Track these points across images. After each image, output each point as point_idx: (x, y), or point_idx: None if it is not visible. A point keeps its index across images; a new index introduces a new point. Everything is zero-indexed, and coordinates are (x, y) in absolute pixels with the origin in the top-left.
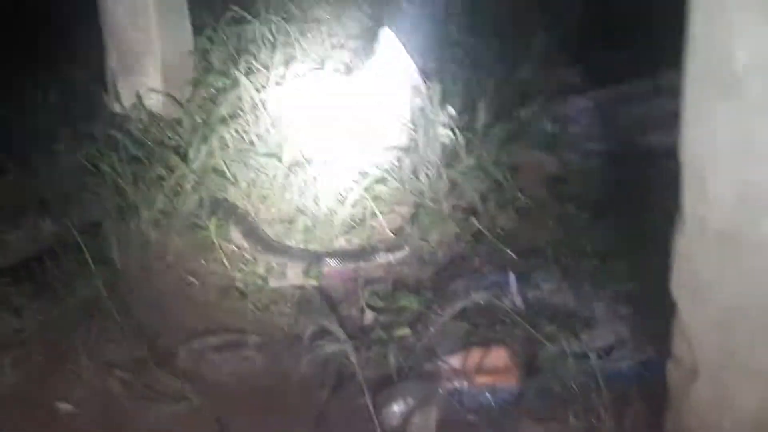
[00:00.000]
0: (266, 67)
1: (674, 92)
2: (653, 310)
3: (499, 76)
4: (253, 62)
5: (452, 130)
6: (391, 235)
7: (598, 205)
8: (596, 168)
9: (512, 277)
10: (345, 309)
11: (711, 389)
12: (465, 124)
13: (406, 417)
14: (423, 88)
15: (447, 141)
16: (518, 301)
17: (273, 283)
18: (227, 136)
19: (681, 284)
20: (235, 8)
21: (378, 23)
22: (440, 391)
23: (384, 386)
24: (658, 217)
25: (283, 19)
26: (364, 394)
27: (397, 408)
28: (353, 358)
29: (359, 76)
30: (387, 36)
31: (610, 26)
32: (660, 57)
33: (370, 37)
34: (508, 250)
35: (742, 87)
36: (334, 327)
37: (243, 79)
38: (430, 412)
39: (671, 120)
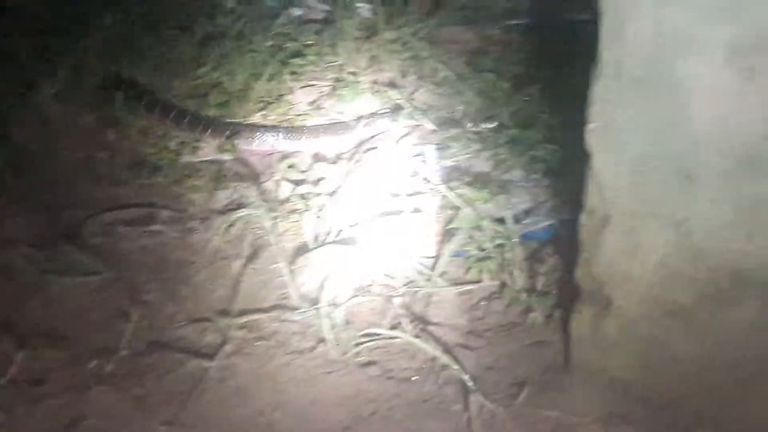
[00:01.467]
0: None
1: None
2: (572, 171)
3: None
4: None
5: (371, 2)
6: (308, 108)
7: (518, 76)
8: (516, 40)
9: (431, 147)
10: (261, 182)
11: (621, 237)
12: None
13: (322, 283)
14: None
15: (366, 14)
16: (437, 169)
17: (187, 157)
18: None
19: (596, 132)
20: None
21: None
22: (357, 256)
23: (300, 255)
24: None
25: None
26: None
27: (312, 275)
28: (268, 226)
29: None
30: None
31: None
32: None
33: None
34: (427, 122)
35: None
36: (250, 195)
37: None
38: (345, 277)
39: None
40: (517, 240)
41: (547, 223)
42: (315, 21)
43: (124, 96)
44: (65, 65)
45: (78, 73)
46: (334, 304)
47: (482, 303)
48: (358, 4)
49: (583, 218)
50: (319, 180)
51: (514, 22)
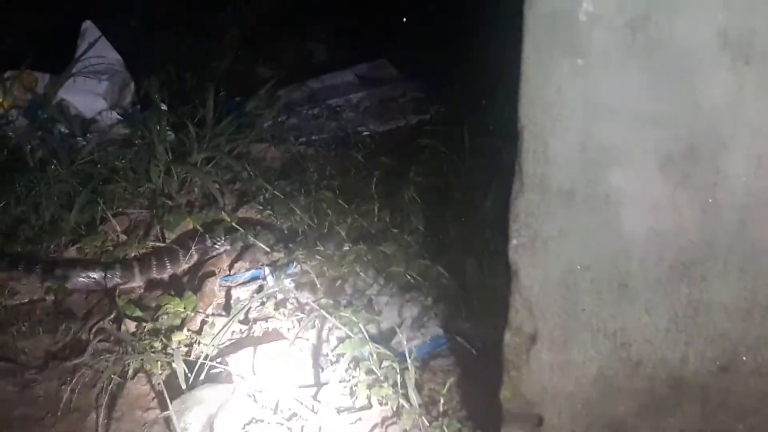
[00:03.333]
0: None
1: (374, 82)
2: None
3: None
4: None
5: (177, 125)
6: (125, 237)
7: (346, 192)
8: (331, 156)
9: (267, 270)
10: (97, 321)
11: (552, 353)
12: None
13: (208, 424)
14: (132, 84)
15: (172, 138)
16: (279, 295)
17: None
18: None
19: (520, 247)
20: None
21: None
22: (239, 393)
23: (172, 398)
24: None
25: None
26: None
27: (194, 417)
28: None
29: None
30: (91, 30)
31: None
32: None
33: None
34: (261, 244)
35: (585, 40)
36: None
37: None
38: (232, 417)
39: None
40: (408, 359)
41: (436, 336)
42: (117, 143)
43: None
44: None
45: None
46: None
47: (376, 430)
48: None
49: (508, 336)
50: (164, 314)
51: (314, 137)
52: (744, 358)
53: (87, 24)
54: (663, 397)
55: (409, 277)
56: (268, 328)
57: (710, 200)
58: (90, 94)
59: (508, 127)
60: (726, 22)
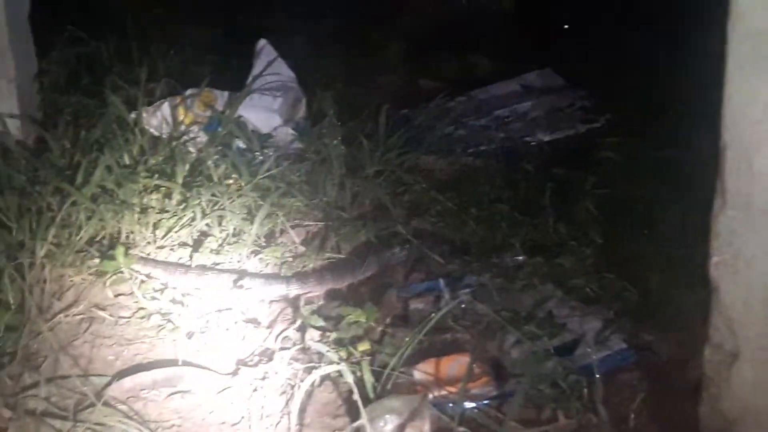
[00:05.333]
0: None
1: (540, 92)
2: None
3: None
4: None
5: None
6: (303, 249)
7: (519, 204)
8: (501, 168)
9: (442, 282)
10: (279, 330)
11: (754, 372)
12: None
13: None
14: (304, 100)
15: (346, 152)
16: (457, 307)
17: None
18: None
19: (722, 264)
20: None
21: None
22: (427, 403)
23: (364, 406)
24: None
25: None
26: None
27: (385, 426)
28: (349, 378)
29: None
30: (266, 48)
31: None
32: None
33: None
34: (435, 255)
35: None
36: (319, 346)
37: (113, 98)
38: (421, 426)
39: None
40: (595, 372)
41: (622, 349)
42: (291, 158)
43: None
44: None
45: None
46: None
47: None
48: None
49: (708, 353)
50: (346, 324)
51: (483, 148)
52: None
53: (262, 42)
54: None
55: (589, 290)
56: (447, 339)
57: None
58: (266, 110)
59: (688, 140)
60: None
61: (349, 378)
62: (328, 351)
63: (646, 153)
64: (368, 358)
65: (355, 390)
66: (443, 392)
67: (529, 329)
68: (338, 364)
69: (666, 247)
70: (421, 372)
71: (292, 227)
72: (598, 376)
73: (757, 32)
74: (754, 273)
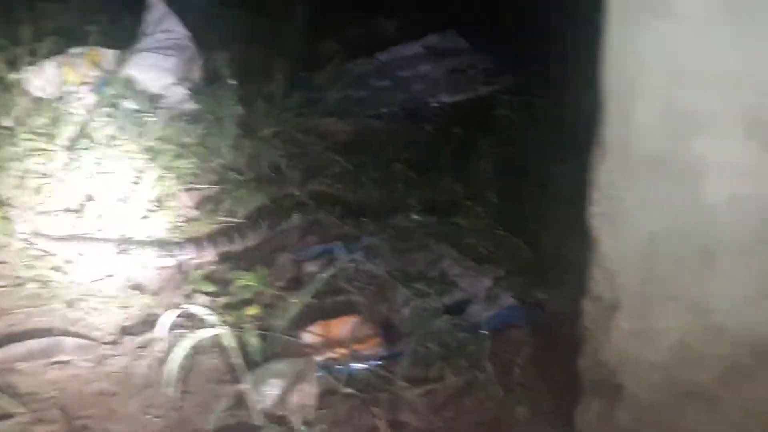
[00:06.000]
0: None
1: (443, 54)
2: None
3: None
4: None
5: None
6: (196, 212)
7: (417, 164)
8: (401, 129)
9: (339, 244)
10: (168, 296)
11: (633, 322)
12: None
13: (283, 397)
14: (200, 60)
15: (241, 113)
16: (353, 268)
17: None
18: None
19: (601, 216)
20: None
21: None
22: (313, 366)
23: (250, 370)
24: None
25: None
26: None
27: (270, 389)
28: (230, 342)
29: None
30: (157, 4)
31: None
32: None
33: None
34: (332, 217)
35: (676, 3)
36: (200, 310)
37: None
38: (307, 389)
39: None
40: (482, 330)
41: (511, 306)
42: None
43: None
44: None
45: None
46: (307, 422)
47: (451, 401)
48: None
49: (587, 305)
50: (235, 288)
51: (383, 109)
52: None
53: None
54: (746, 364)
55: (483, 249)
56: (340, 301)
57: None
58: (158, 69)
59: (583, 97)
60: None
61: (230, 342)
62: (209, 315)
63: (543, 112)
64: (258, 322)
65: (236, 354)
66: (333, 354)
67: (419, 288)
68: (214, 328)
69: (558, 204)
70: (311, 334)
71: (185, 191)
72: (485, 332)
73: None
74: (632, 224)
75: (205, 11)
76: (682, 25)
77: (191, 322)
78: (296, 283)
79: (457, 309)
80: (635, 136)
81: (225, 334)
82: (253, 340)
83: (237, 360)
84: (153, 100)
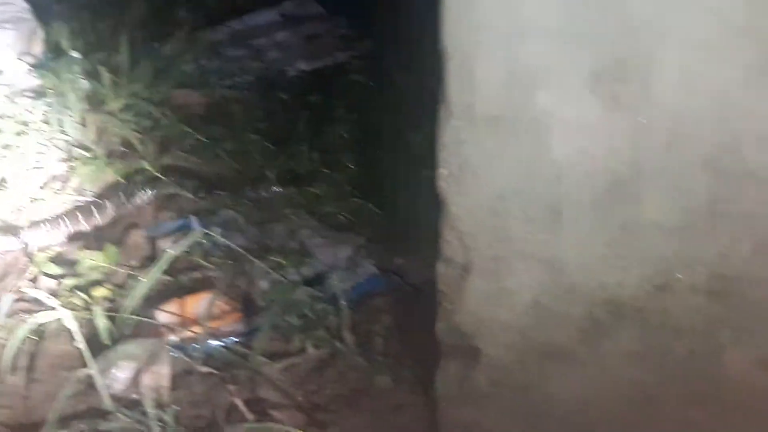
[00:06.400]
0: None
1: (298, 21)
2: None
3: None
4: None
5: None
6: (42, 192)
7: (274, 134)
8: (257, 98)
9: (193, 219)
10: (12, 281)
11: (486, 283)
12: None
13: (134, 380)
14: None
15: (87, 86)
16: (209, 243)
17: None
18: None
19: (449, 177)
20: None
21: None
22: (166, 346)
23: (95, 353)
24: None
25: None
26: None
27: (120, 372)
28: (72, 326)
29: None
30: None
31: None
32: None
33: None
34: (186, 192)
35: None
36: (39, 294)
37: None
38: (159, 370)
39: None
40: (342, 301)
41: (372, 274)
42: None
43: None
44: None
45: None
46: (160, 405)
47: (313, 374)
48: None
49: (441, 268)
50: (83, 269)
51: (239, 79)
52: (680, 276)
53: None
54: (601, 321)
55: (342, 216)
56: (196, 277)
57: (640, 119)
58: None
59: (429, 57)
60: None
61: (72, 325)
62: (48, 298)
63: (396, 75)
64: (109, 303)
65: (80, 338)
66: (189, 332)
67: (278, 261)
68: (54, 311)
69: (414, 168)
70: (165, 313)
71: (29, 170)
72: (344, 303)
73: None
74: (480, 183)
75: None
76: None
77: (35, 306)
78: (150, 261)
79: (317, 280)
80: (479, 94)
81: (67, 318)
82: (102, 323)
83: (81, 344)
84: None
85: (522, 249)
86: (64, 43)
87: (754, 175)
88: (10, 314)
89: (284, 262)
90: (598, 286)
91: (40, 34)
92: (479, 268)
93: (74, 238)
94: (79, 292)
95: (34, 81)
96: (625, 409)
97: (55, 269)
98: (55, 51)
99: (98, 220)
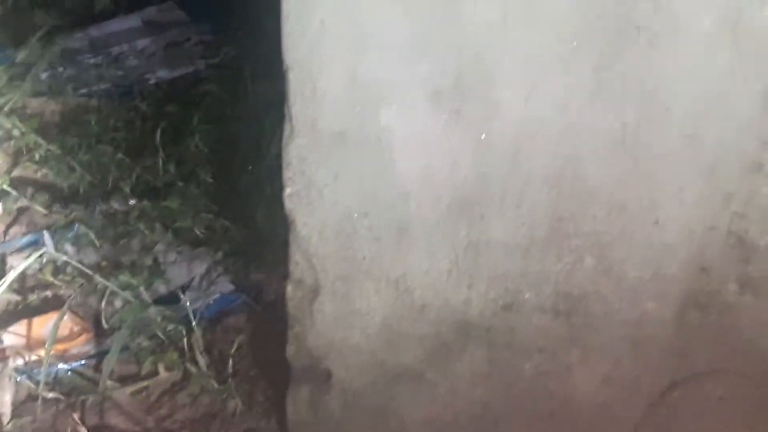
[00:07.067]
0: None
1: (161, 28)
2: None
3: None
4: None
5: None
6: None
7: (130, 145)
8: (114, 107)
9: (47, 234)
10: None
11: (336, 304)
12: None
13: None
14: None
15: None
16: (61, 260)
17: None
18: None
19: (295, 195)
20: None
21: None
22: (9, 370)
23: None
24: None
25: None
26: None
27: None
28: None
29: None
30: None
31: None
32: None
33: None
34: (37, 205)
35: None
36: None
37: None
38: (1, 397)
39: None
40: (193, 321)
41: (227, 292)
42: None
43: None
44: None
45: None
46: None
47: (164, 398)
48: None
49: (290, 290)
50: None
51: (96, 87)
52: (526, 296)
53: None
54: (449, 341)
55: (198, 232)
56: (46, 296)
57: (483, 134)
58: None
59: (277, 69)
60: None
61: None
62: None
63: (252, 86)
64: None
65: None
66: (36, 355)
67: (130, 278)
68: None
69: (267, 183)
70: (12, 335)
71: None
72: (199, 322)
73: None
74: (327, 202)
75: None
76: None
77: None
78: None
79: (171, 298)
80: (322, 110)
81: None
82: None
83: None
84: None
85: (370, 269)
86: None
87: (595, 192)
88: None
89: (137, 280)
90: (445, 305)
91: None
92: (328, 290)
93: None
94: None
95: None
96: (474, 429)
97: None
98: None
99: None
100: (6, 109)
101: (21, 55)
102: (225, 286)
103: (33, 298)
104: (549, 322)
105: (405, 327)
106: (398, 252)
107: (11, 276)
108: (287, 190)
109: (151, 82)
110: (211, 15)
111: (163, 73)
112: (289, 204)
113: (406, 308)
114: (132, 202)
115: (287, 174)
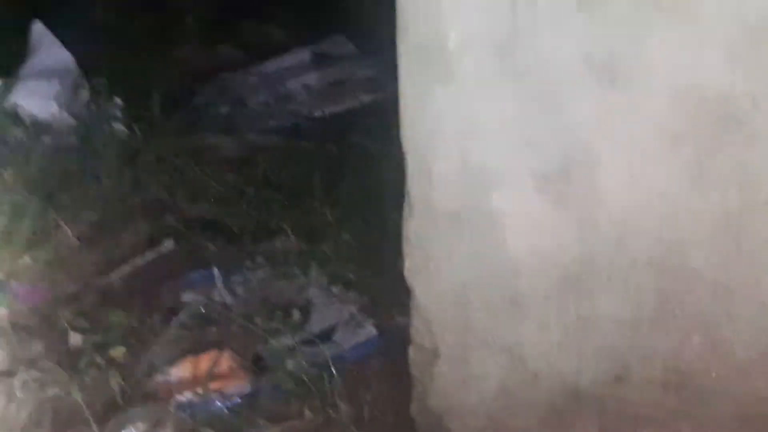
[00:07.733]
0: None
1: (330, 61)
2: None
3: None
4: None
5: (127, 124)
6: (77, 242)
7: (294, 185)
8: (282, 146)
9: (216, 271)
10: (45, 335)
11: (454, 368)
12: (141, 116)
13: None
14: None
15: (124, 137)
16: (227, 297)
17: None
18: None
19: (414, 268)
20: None
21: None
22: (171, 409)
23: (109, 415)
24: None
25: None
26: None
27: None
28: (77, 395)
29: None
30: (40, 31)
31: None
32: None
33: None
34: (209, 244)
35: (456, 67)
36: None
37: None
38: None
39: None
40: (335, 365)
41: (370, 336)
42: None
43: None
44: None
45: None
46: None
47: None
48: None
49: (411, 352)
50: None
51: (268, 124)
52: (636, 369)
53: (36, 25)
54: (562, 409)
55: (350, 275)
56: (210, 333)
57: (587, 217)
58: (42, 97)
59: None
60: (589, 46)
61: (77, 396)
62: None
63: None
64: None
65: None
66: (198, 392)
67: (281, 320)
68: (59, 384)
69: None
70: (178, 371)
71: (67, 222)
72: (341, 367)
73: (421, 44)
74: (443, 275)
75: (90, 31)
76: (466, 89)
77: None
78: (174, 315)
79: (325, 338)
80: (437, 192)
81: (72, 388)
82: (114, 384)
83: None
84: (39, 128)
85: (485, 337)
86: (105, 93)
87: (699, 274)
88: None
89: (291, 322)
90: (557, 374)
91: (84, 84)
92: (446, 355)
93: (99, 290)
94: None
95: (76, 132)
96: None
97: (83, 323)
98: (97, 101)
99: (122, 272)
100: (188, 148)
101: (199, 99)
102: (369, 329)
103: (198, 333)
104: (659, 394)
105: (519, 393)
106: (511, 322)
107: (183, 317)
108: (407, 263)
109: (318, 117)
110: (379, 49)
111: (329, 108)
112: (408, 276)
113: (519, 375)
114: (291, 242)
115: (406, 248)
